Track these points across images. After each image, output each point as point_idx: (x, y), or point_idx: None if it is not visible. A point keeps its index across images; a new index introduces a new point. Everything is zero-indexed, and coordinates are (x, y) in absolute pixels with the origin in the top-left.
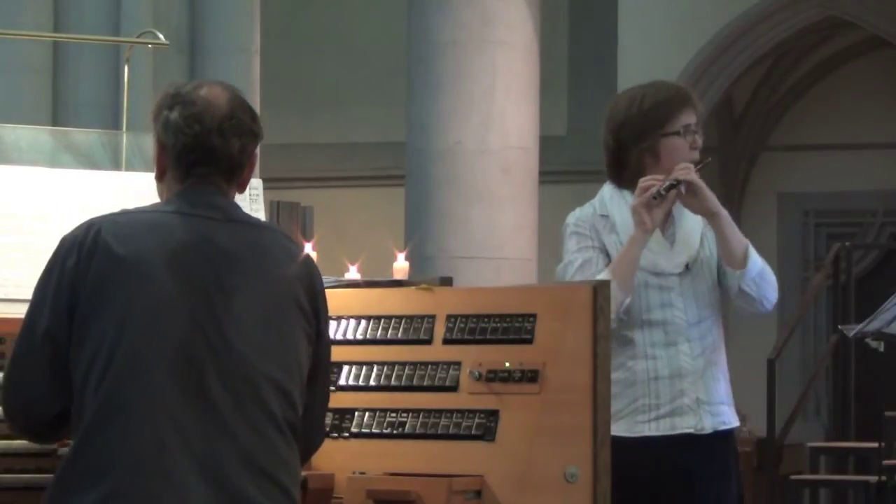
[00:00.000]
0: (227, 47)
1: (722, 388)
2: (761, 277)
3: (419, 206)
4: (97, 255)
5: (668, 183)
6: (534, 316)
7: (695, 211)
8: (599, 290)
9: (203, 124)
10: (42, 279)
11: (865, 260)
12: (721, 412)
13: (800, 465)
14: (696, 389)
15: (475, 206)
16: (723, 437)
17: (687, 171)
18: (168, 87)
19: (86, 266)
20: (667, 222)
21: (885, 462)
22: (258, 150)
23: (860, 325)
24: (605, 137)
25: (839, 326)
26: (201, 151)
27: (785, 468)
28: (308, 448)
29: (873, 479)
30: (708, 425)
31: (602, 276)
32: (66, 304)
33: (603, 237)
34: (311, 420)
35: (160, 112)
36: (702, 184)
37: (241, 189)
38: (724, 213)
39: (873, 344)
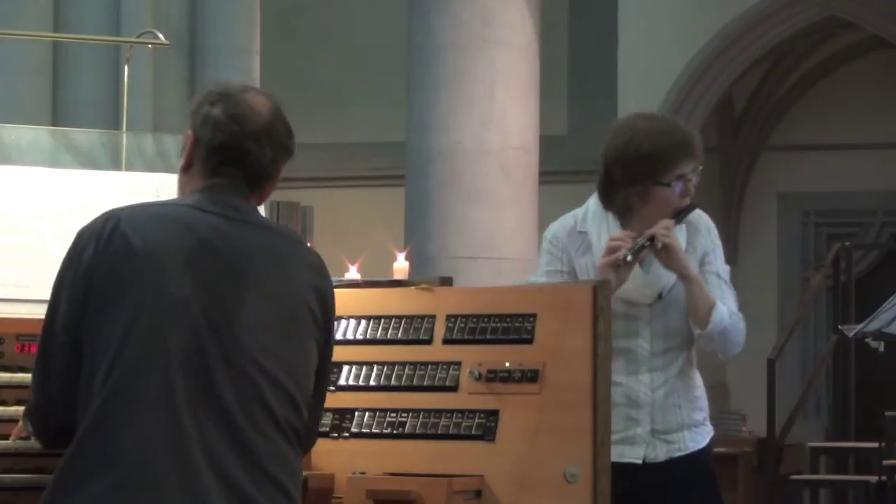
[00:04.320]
0: (227, 47)
1: (683, 414)
2: (723, 337)
3: (419, 206)
4: (114, 245)
5: (640, 243)
6: (534, 316)
7: (667, 268)
8: (599, 290)
9: (242, 126)
10: (60, 273)
11: (865, 260)
12: (676, 440)
13: (800, 465)
14: (651, 420)
15: (475, 207)
16: (684, 462)
17: (665, 234)
18: (214, 86)
19: (102, 255)
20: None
21: (885, 462)
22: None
23: (860, 325)
24: (600, 160)
25: (839, 326)
26: (234, 153)
27: (785, 468)
28: (304, 448)
29: (873, 479)
30: (661, 454)
31: None
32: (83, 293)
33: (574, 259)
34: (311, 421)
35: (201, 106)
36: (678, 247)
37: (260, 201)
38: (695, 276)
39: (873, 344)
